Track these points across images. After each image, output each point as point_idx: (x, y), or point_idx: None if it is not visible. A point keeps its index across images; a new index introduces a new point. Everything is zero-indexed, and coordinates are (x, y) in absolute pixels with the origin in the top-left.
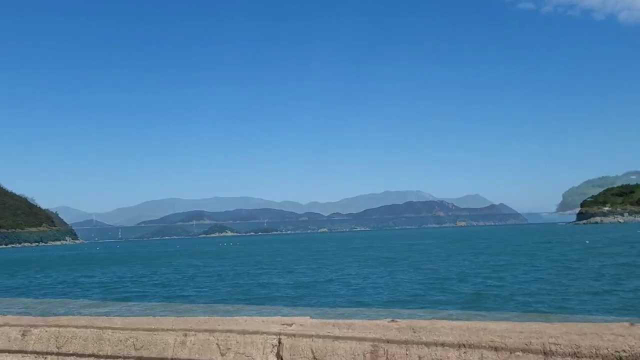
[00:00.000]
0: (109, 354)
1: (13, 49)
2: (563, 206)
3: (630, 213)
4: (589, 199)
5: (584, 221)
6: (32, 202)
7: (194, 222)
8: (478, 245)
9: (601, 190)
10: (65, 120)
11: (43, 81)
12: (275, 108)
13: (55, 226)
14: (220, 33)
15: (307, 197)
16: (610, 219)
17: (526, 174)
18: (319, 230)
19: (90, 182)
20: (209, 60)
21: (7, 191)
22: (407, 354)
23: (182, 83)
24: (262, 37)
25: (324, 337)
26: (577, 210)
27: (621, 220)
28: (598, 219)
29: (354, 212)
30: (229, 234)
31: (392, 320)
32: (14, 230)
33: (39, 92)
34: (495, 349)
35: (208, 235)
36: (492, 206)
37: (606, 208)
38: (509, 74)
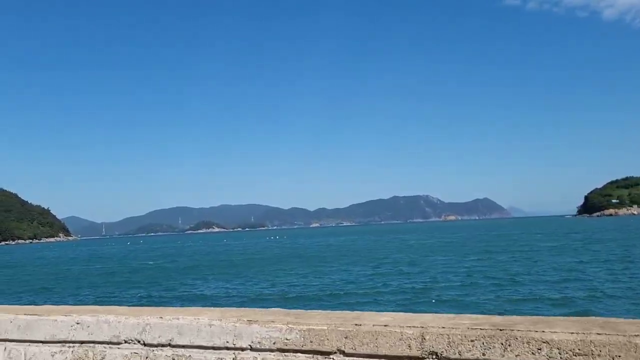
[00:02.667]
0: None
1: (12, 50)
2: (586, 208)
3: (639, 205)
4: (594, 193)
5: (597, 214)
6: (22, 199)
7: (180, 218)
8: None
9: (626, 191)
10: (73, 130)
11: (44, 85)
12: (283, 114)
13: (48, 222)
14: (217, 34)
15: (315, 203)
16: (624, 211)
17: (539, 177)
18: (311, 226)
19: (98, 191)
20: (206, 63)
21: None
22: None
23: (185, 90)
24: (258, 36)
25: None
26: (603, 212)
27: (635, 213)
28: (612, 211)
29: (340, 208)
30: (216, 229)
31: None
32: (6, 226)
33: (44, 99)
34: None
35: (195, 232)
36: (477, 200)
37: (614, 201)
38: (516, 73)
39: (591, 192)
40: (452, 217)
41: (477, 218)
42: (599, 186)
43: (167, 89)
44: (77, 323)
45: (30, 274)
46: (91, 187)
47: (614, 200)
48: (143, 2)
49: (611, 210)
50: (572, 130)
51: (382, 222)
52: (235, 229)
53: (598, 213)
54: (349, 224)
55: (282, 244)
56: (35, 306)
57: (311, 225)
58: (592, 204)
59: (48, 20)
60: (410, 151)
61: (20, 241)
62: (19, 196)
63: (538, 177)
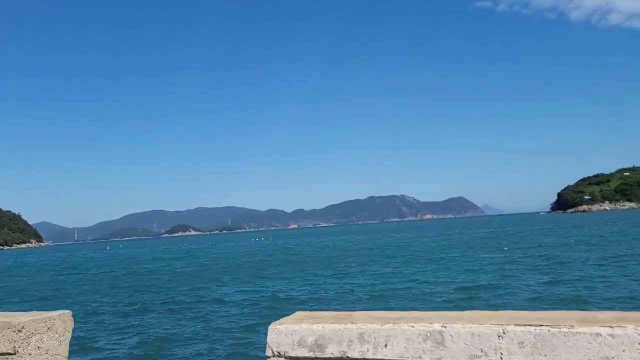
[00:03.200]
0: None
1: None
2: (560, 205)
3: (611, 201)
4: (567, 190)
5: (571, 210)
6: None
7: (155, 221)
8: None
9: (597, 188)
10: (43, 135)
11: (18, 89)
12: (259, 114)
13: (19, 228)
14: (193, 35)
15: (293, 204)
16: (597, 207)
17: (511, 176)
18: (290, 227)
19: (69, 196)
20: (179, 69)
21: None
22: None
23: (159, 91)
24: (237, 39)
25: None
26: (576, 208)
27: (608, 208)
28: (585, 207)
29: (317, 209)
30: (192, 232)
31: None
32: None
33: (15, 102)
34: None
35: (171, 235)
36: (451, 199)
37: (587, 197)
38: (488, 74)
39: (564, 189)
40: (429, 216)
41: (452, 216)
42: (571, 183)
43: (142, 91)
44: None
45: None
46: (62, 191)
47: (586, 197)
48: (134, 6)
49: (584, 207)
50: (543, 129)
51: (359, 222)
52: (212, 232)
53: (572, 209)
54: (326, 224)
55: (280, 245)
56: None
57: (289, 227)
58: (565, 201)
59: (21, 25)
60: (386, 152)
61: None
62: None
63: (510, 176)
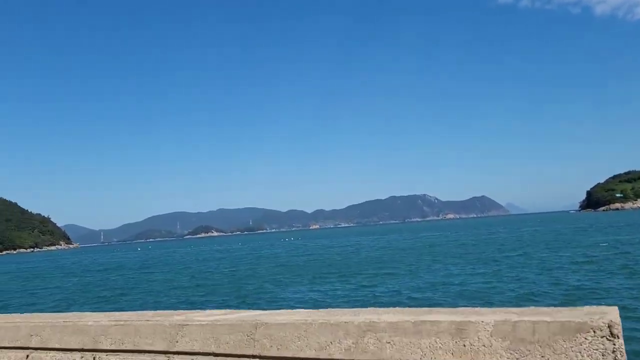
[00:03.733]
0: None
1: (12, 58)
2: (590, 203)
3: None
4: (597, 187)
5: (603, 208)
6: (23, 207)
7: (178, 223)
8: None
9: (629, 185)
10: (69, 138)
11: (34, 95)
12: (279, 115)
13: (49, 230)
14: (208, 35)
15: (313, 205)
16: (629, 204)
17: (535, 174)
18: (311, 227)
19: (95, 199)
20: (199, 69)
21: None
22: None
23: (181, 95)
24: (253, 38)
25: None
26: (608, 206)
27: None
28: (618, 205)
29: (337, 209)
30: (215, 234)
31: None
32: (8, 236)
33: (41, 103)
34: None
35: (194, 236)
36: (474, 198)
37: (618, 195)
38: (512, 71)
39: (593, 187)
40: (452, 216)
41: (475, 216)
42: (601, 181)
43: (163, 94)
44: None
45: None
46: (88, 194)
47: (617, 195)
48: (134, 6)
49: (617, 205)
50: (567, 127)
51: (381, 223)
52: (234, 233)
53: (604, 207)
54: (347, 225)
55: (319, 246)
56: None
57: (310, 227)
58: (596, 199)
59: (52, 28)
60: (406, 151)
61: (21, 250)
62: (19, 205)
63: (534, 175)
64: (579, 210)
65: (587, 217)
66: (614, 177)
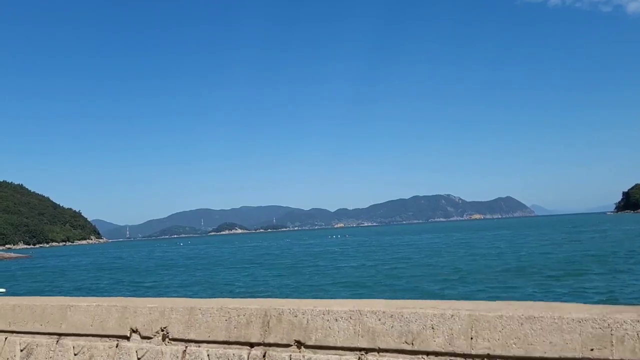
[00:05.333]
0: None
1: (43, 57)
2: (628, 204)
3: None
4: (636, 189)
5: None
6: (55, 202)
7: (202, 220)
8: None
9: None
10: (96, 136)
11: (66, 94)
12: (302, 113)
13: (80, 225)
14: (235, 38)
15: (336, 204)
16: None
17: (560, 175)
18: (335, 226)
19: (121, 195)
20: (228, 67)
21: (31, 191)
22: None
23: (206, 91)
24: (278, 39)
25: None
26: None
27: None
28: None
29: (360, 208)
30: (239, 231)
31: None
32: (41, 229)
33: (64, 107)
34: None
35: (218, 233)
36: (499, 199)
37: None
38: (538, 71)
39: (632, 188)
40: (477, 216)
41: (499, 217)
42: (639, 182)
43: (188, 93)
44: None
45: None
46: (114, 190)
47: None
48: (163, 9)
49: None
50: (593, 128)
51: (404, 222)
52: (258, 230)
53: None
54: (369, 224)
55: (383, 244)
56: None
57: (335, 226)
58: (635, 200)
59: (74, 27)
60: (430, 151)
61: (54, 244)
62: (51, 199)
63: (559, 175)
64: (616, 212)
65: (632, 219)
66: None
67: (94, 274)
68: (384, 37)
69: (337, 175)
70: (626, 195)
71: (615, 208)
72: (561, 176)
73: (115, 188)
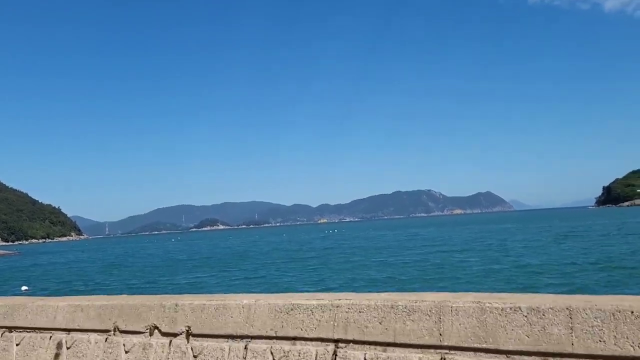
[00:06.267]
0: None
1: (21, 56)
2: (610, 199)
3: None
4: (617, 183)
5: (627, 203)
6: (33, 197)
7: (183, 216)
8: None
9: None
10: (74, 131)
11: (47, 89)
12: (284, 111)
13: (60, 221)
14: (223, 37)
15: (317, 199)
16: None
17: (538, 171)
18: (319, 222)
19: (99, 191)
20: (214, 65)
21: (8, 187)
22: None
23: (187, 88)
24: (264, 39)
25: None
26: (633, 201)
27: None
28: None
29: (342, 204)
30: (221, 227)
31: None
32: (20, 226)
33: (47, 101)
34: None
35: (200, 229)
36: (479, 194)
37: (639, 190)
38: (517, 67)
39: (612, 182)
40: (459, 211)
41: (479, 212)
42: (619, 177)
43: (170, 90)
44: None
45: None
46: (92, 186)
47: (639, 190)
48: (151, 9)
49: None
50: (570, 125)
51: (385, 217)
52: (240, 226)
53: (628, 203)
54: (351, 219)
55: (377, 238)
56: None
57: (319, 222)
58: (616, 195)
59: (54, 27)
60: (411, 146)
61: (33, 240)
62: (30, 195)
63: (536, 171)
64: (597, 206)
65: (624, 213)
66: (634, 172)
67: (123, 271)
68: (368, 35)
69: (318, 171)
70: (607, 189)
71: (596, 203)
72: (539, 172)
73: (94, 184)
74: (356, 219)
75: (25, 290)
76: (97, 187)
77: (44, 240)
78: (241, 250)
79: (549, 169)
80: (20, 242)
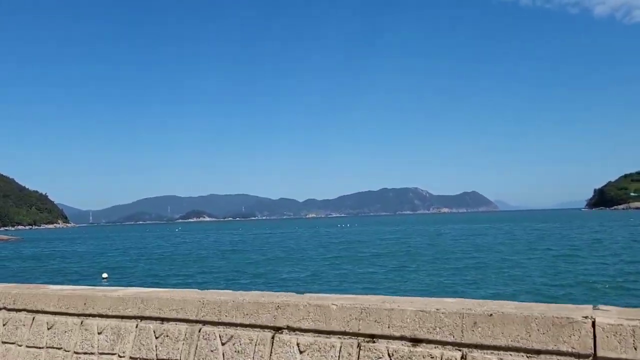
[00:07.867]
0: None
1: (13, 46)
2: (602, 201)
3: None
4: (609, 186)
5: (622, 206)
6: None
7: (168, 207)
8: None
9: None
10: (59, 118)
11: (38, 79)
12: (272, 104)
13: (47, 208)
14: (211, 30)
15: (304, 194)
16: None
17: (523, 172)
18: (307, 216)
19: (83, 179)
20: (202, 57)
21: None
22: None
23: (175, 80)
24: (253, 32)
25: None
26: (628, 204)
27: None
28: (638, 204)
29: (329, 199)
30: (207, 219)
31: None
32: (6, 212)
33: (33, 90)
34: None
35: (186, 220)
36: (465, 193)
37: (633, 194)
38: (505, 69)
39: (605, 185)
40: (446, 210)
41: (465, 211)
42: (612, 179)
43: (159, 80)
44: None
45: None
46: (77, 174)
47: (632, 194)
48: (142, 3)
49: (638, 203)
50: (557, 128)
51: (372, 214)
52: (227, 219)
53: (623, 206)
54: (338, 215)
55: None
56: None
57: (306, 216)
58: (609, 197)
59: (44, 18)
60: (399, 144)
61: (20, 227)
62: (17, 181)
63: (521, 173)
64: (589, 208)
65: (624, 216)
66: (626, 175)
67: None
68: (358, 30)
69: (306, 166)
70: (599, 192)
71: (587, 205)
72: (524, 174)
73: (78, 172)
74: (342, 215)
75: (105, 278)
76: (81, 175)
77: (30, 226)
78: (321, 241)
79: (535, 171)
80: (6, 228)
